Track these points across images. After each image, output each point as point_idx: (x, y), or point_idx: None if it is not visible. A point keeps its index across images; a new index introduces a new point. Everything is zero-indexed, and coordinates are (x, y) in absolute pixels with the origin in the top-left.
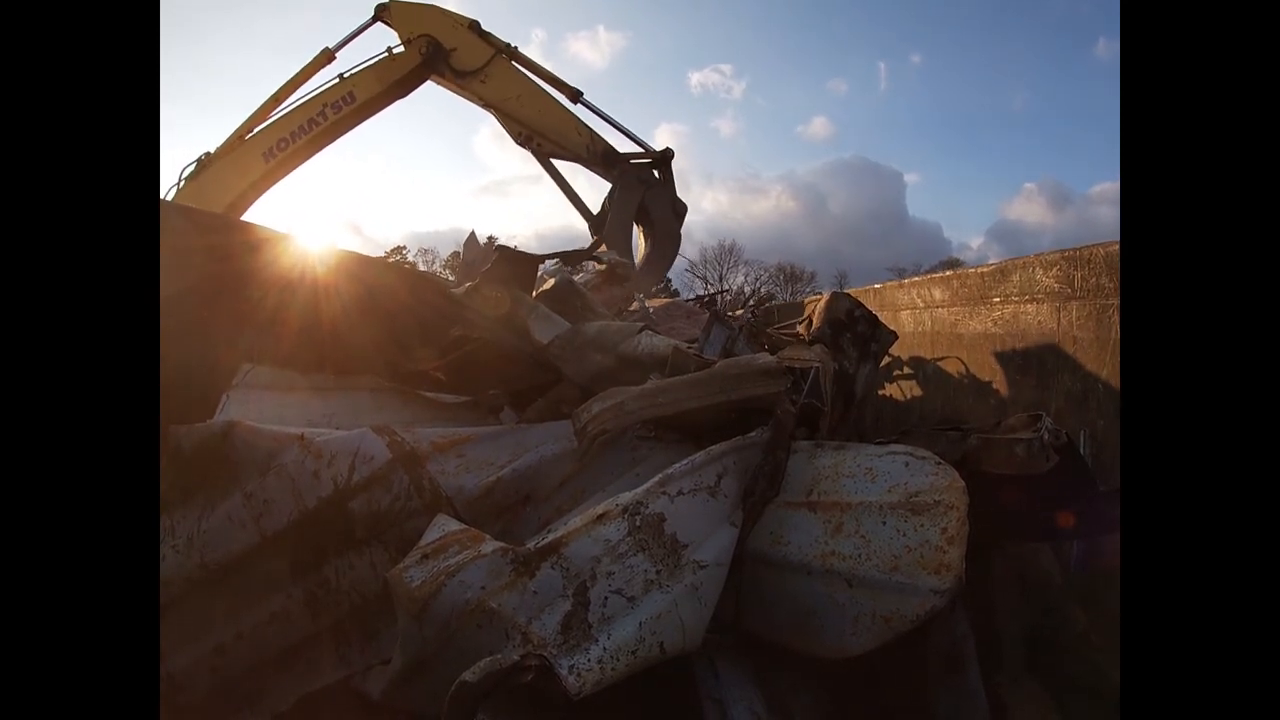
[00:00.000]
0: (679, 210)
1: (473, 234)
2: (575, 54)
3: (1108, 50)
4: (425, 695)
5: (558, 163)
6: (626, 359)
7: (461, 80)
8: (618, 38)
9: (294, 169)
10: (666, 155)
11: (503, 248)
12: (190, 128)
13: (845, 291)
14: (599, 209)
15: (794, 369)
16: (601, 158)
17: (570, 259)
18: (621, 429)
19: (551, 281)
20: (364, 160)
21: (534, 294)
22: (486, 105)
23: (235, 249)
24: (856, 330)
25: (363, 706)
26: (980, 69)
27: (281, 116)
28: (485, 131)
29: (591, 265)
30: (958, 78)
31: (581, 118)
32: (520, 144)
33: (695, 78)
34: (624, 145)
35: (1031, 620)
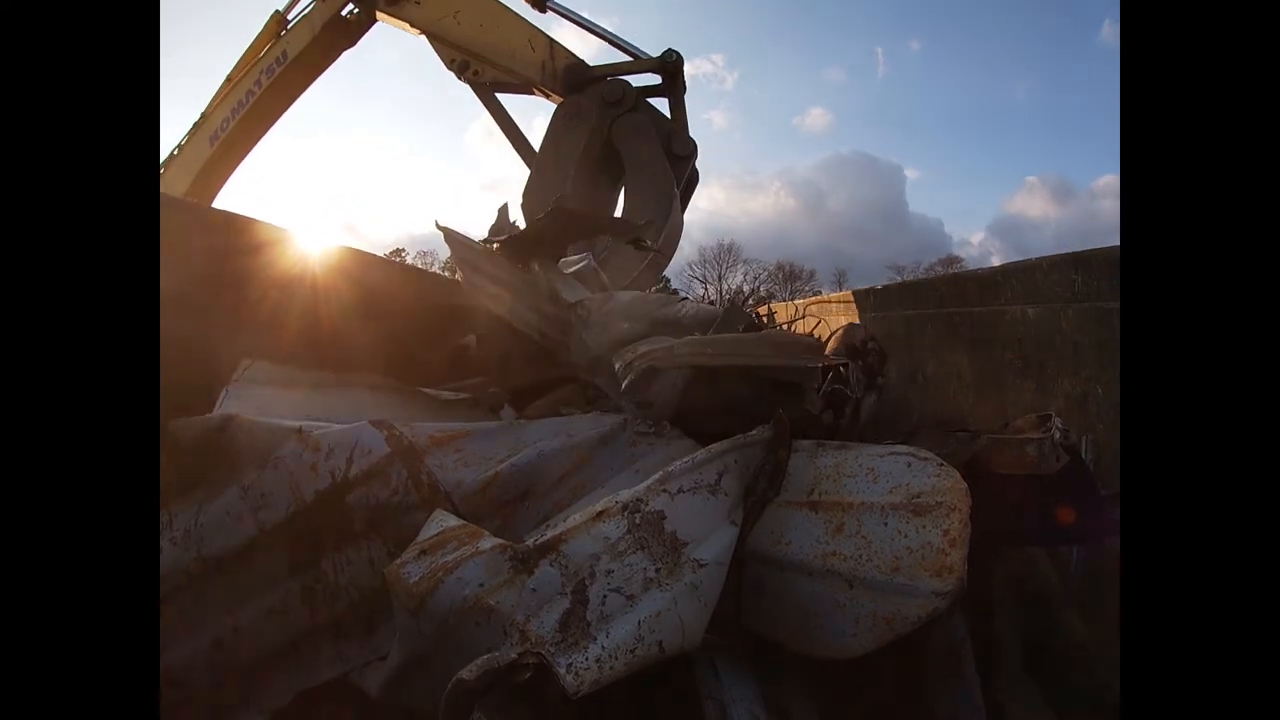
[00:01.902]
0: (680, 150)
1: (505, 206)
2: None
3: (1113, 34)
4: (422, 692)
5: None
6: (661, 324)
7: (394, 7)
8: (605, 24)
9: (245, 150)
10: (670, 60)
11: (560, 203)
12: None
13: (860, 324)
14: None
15: (830, 356)
16: (564, 76)
17: (618, 233)
18: (667, 368)
19: (576, 268)
20: (358, 160)
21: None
22: (424, 33)
23: (236, 246)
24: (868, 360)
25: (360, 702)
26: (981, 55)
27: (226, 96)
28: (477, 130)
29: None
30: (958, 65)
31: (550, 33)
32: (456, 73)
33: (686, 68)
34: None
35: (1030, 625)
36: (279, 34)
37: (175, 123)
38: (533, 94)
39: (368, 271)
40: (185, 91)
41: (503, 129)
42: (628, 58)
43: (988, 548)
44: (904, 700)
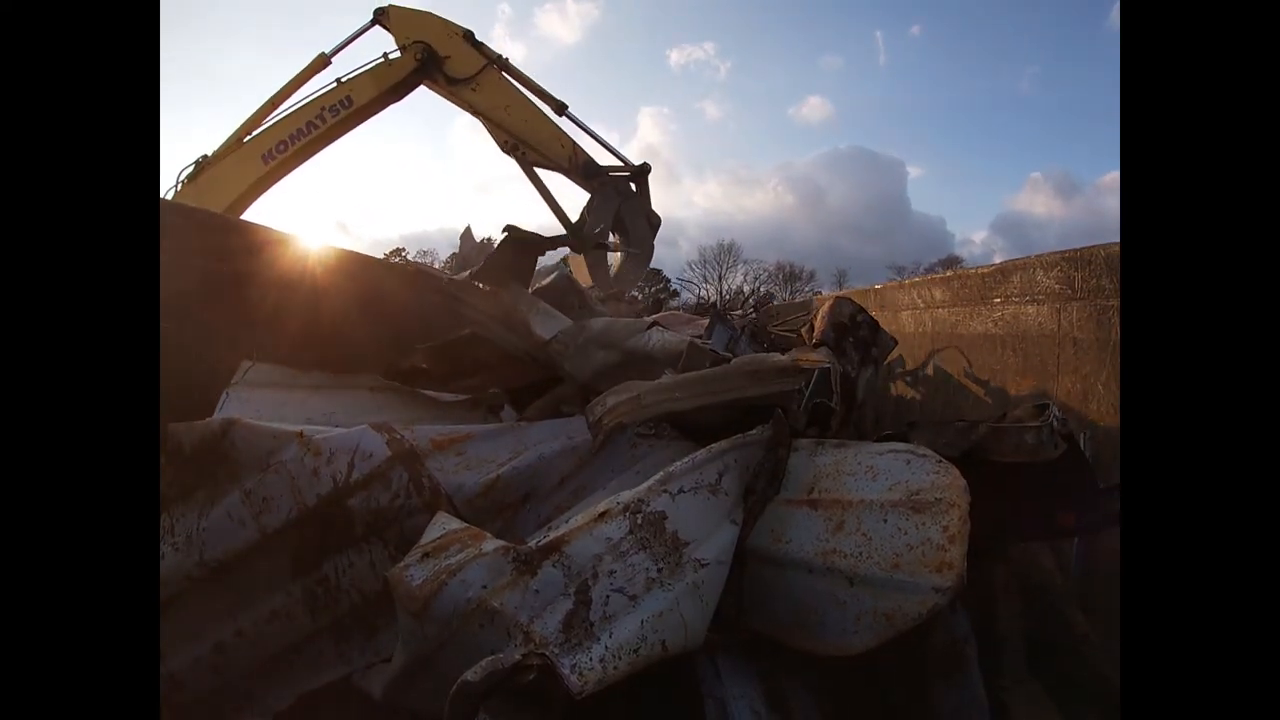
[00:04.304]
0: (653, 222)
1: (469, 229)
2: (545, 28)
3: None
4: (426, 694)
5: (540, 171)
6: (635, 355)
7: (453, 87)
8: (589, 8)
9: (292, 170)
10: (644, 169)
11: (512, 227)
12: (188, 127)
13: (848, 296)
14: (577, 217)
15: (806, 369)
16: (582, 169)
17: (579, 247)
18: (637, 422)
19: (550, 279)
20: (350, 158)
21: (531, 289)
22: (475, 113)
23: (236, 249)
24: (859, 335)
25: (363, 705)
26: (984, 42)
27: (281, 119)
28: (471, 129)
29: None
30: (960, 53)
31: (565, 130)
32: (506, 152)
33: (674, 56)
34: (604, 159)
35: (1033, 621)
36: (337, 79)
37: (170, 126)
38: (558, 172)
39: (367, 273)
40: (179, 95)
41: (542, 196)
42: (615, 160)
43: (989, 543)
44: (907, 697)
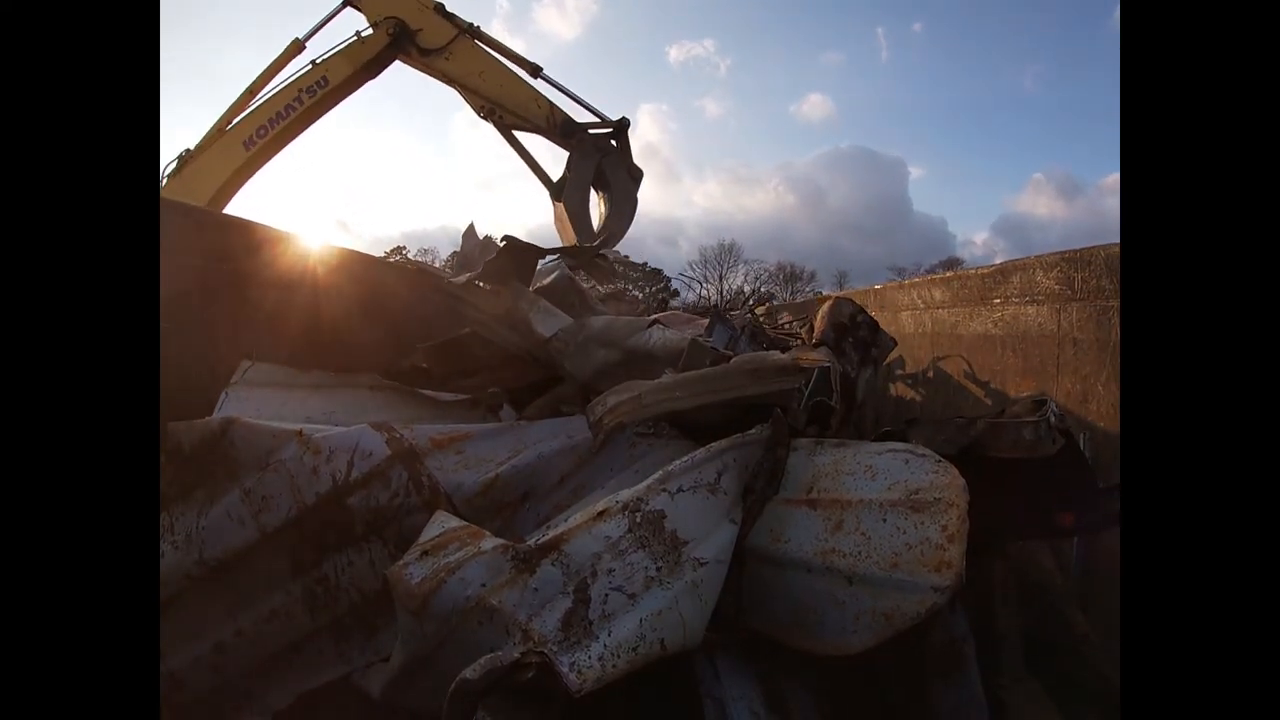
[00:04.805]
0: (635, 175)
1: (471, 226)
2: (544, 23)
3: None
4: (425, 692)
5: (519, 134)
6: (635, 353)
7: (427, 59)
8: (588, 3)
9: (274, 155)
10: (622, 124)
11: (509, 238)
12: (189, 127)
13: (848, 297)
14: (559, 178)
15: (806, 368)
16: (560, 128)
17: (576, 256)
18: (638, 422)
19: (550, 278)
20: (351, 155)
21: (532, 288)
22: (451, 82)
23: (236, 248)
24: (858, 335)
25: (363, 704)
26: (986, 40)
27: (260, 105)
28: (472, 126)
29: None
30: (962, 51)
31: (542, 92)
32: (483, 117)
33: (674, 52)
34: (582, 118)
35: (1032, 621)
36: (312, 60)
37: (170, 126)
38: (537, 134)
39: (368, 272)
40: (179, 95)
41: (522, 158)
42: (591, 115)
43: (987, 539)
44: (906, 696)
